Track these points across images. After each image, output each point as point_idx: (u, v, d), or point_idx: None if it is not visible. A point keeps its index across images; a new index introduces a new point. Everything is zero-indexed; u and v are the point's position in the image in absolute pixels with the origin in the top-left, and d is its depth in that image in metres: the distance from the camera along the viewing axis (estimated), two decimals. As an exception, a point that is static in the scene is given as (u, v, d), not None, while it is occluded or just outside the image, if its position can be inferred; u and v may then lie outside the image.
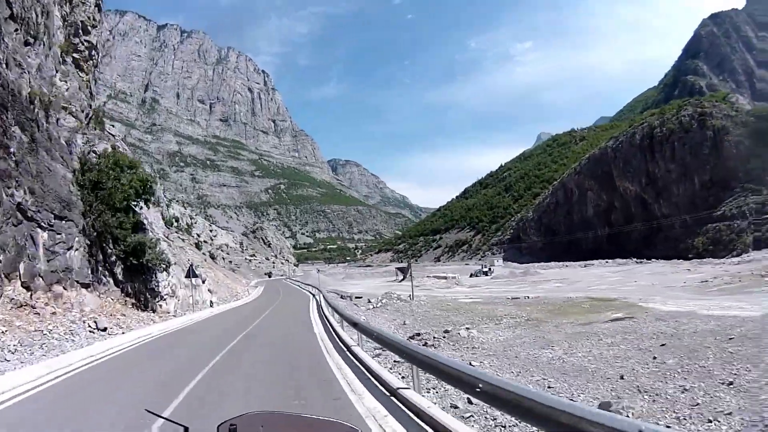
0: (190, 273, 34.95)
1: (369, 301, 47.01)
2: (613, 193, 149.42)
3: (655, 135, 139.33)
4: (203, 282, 43.85)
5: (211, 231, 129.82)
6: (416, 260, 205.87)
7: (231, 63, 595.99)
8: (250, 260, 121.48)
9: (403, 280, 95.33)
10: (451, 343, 21.32)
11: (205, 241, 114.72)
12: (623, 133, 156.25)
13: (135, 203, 28.70)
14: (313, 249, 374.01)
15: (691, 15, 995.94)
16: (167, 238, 42.49)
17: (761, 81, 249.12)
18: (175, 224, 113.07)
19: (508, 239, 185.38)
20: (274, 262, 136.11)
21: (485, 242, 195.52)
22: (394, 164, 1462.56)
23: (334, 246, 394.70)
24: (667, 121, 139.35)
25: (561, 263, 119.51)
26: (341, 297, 50.31)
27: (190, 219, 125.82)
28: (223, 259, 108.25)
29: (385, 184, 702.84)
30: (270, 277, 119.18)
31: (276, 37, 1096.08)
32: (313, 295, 46.45)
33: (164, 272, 31.08)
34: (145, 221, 31.05)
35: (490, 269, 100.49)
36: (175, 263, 35.28)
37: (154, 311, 28.12)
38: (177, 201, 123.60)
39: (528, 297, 47.85)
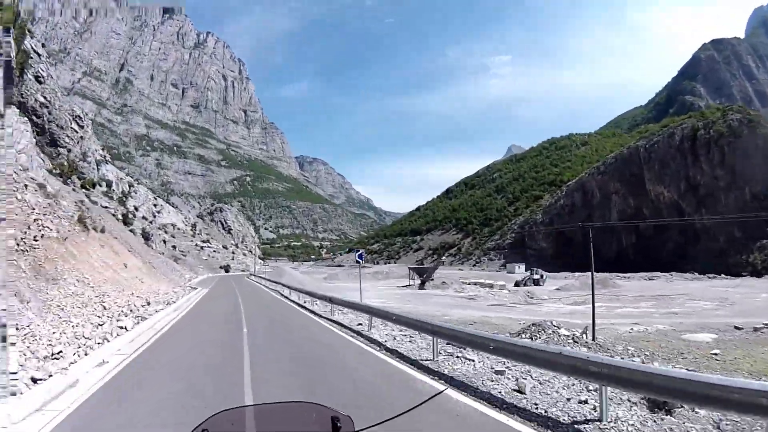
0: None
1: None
2: (643, 198, 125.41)
3: (700, 137, 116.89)
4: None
5: (155, 206, 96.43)
6: (395, 261, 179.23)
7: (209, 48, 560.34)
8: (202, 247, 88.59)
9: (423, 285, 65.69)
10: None
11: (144, 217, 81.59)
12: (658, 133, 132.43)
13: None
14: (277, 245, 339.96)
15: (674, 45, 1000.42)
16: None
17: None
18: (104, 188, 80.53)
19: (509, 244, 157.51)
20: (234, 253, 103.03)
21: (478, 246, 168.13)
22: (360, 167, 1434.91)
23: (299, 243, 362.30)
24: (713, 123, 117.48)
25: (639, 274, 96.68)
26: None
27: (129, 187, 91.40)
28: (164, 242, 75.59)
29: (350, 185, 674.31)
30: (227, 272, 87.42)
31: (255, 30, 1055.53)
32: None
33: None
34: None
35: (542, 277, 71.90)
36: None
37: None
38: (109, 162, 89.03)
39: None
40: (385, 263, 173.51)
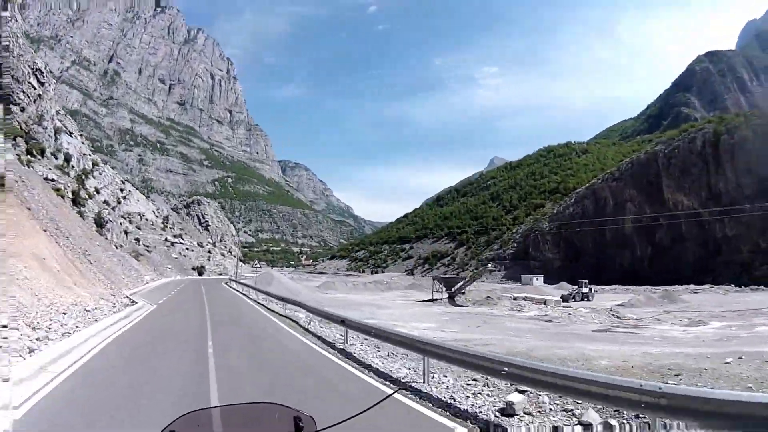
0: None
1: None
2: (660, 207, 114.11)
3: (723, 142, 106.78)
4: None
5: (122, 191, 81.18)
6: (382, 270, 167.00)
7: (198, 45, 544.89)
8: (172, 243, 72.98)
9: (454, 297, 52.62)
10: None
11: (106, 202, 66.21)
12: (677, 138, 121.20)
13: None
14: (255, 249, 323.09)
15: (664, 58, 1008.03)
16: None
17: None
18: (60, 162, 65.41)
19: (512, 254, 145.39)
20: (210, 252, 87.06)
21: (473, 256, 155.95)
22: (342, 173, 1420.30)
23: (278, 248, 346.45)
24: (736, 128, 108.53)
25: (701, 287, 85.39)
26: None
27: (93, 166, 74.92)
28: (126, 234, 60.34)
29: (331, 191, 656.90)
30: (200, 275, 71.66)
31: (247, 30, 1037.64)
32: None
33: None
34: None
35: (591, 290, 58.63)
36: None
37: None
38: (73, 135, 72.65)
39: None
40: (372, 272, 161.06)
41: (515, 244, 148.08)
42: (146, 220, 73.32)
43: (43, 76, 69.88)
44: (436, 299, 53.17)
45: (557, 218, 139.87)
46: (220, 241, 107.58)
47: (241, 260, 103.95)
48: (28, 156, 54.66)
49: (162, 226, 77.48)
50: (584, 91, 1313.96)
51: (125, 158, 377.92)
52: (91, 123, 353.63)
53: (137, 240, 61.31)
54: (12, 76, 59.87)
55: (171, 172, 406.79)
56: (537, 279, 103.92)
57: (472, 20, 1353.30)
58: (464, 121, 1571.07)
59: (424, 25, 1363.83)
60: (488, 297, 51.57)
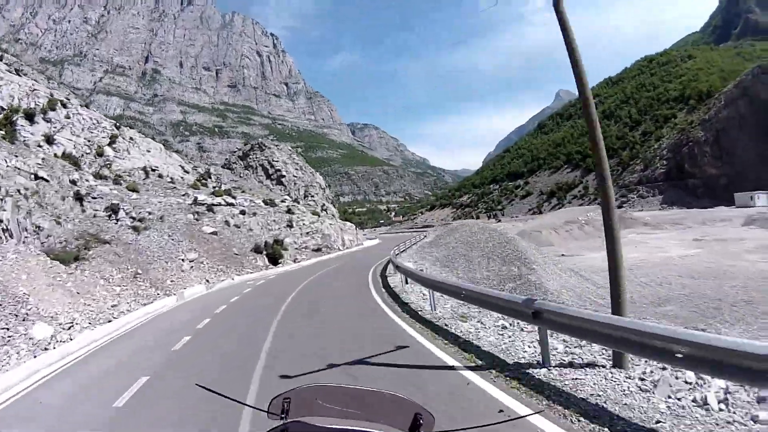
0: None
1: None
2: None
3: None
4: None
5: (110, 139, 40.93)
6: (502, 213, 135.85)
7: (237, 28, 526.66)
8: (211, 208, 38.22)
9: None
10: None
11: (86, 154, 33.98)
12: None
13: None
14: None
15: None
16: None
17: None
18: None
19: (663, 173, 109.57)
20: (292, 213, 48.01)
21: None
22: (411, 129, 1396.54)
23: (363, 209, 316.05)
24: None
25: None
26: None
27: (63, 108, 41.00)
28: (101, 199, 27.85)
29: (405, 146, 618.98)
30: (275, 261, 34.93)
31: (285, 9, 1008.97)
32: None
33: None
34: None
35: None
36: None
37: None
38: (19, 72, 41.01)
39: None
40: (489, 217, 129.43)
41: (664, 162, 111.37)
42: (159, 177, 39.89)
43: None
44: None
45: (710, 126, 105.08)
46: (305, 197, 71.71)
47: (360, 225, 68.34)
48: None
49: (194, 184, 42.76)
50: (639, 14, 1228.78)
51: (183, 149, 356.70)
52: (138, 123, 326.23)
53: (132, 219, 28.10)
54: None
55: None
56: (759, 197, 74.56)
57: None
58: (521, 60, 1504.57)
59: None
60: None
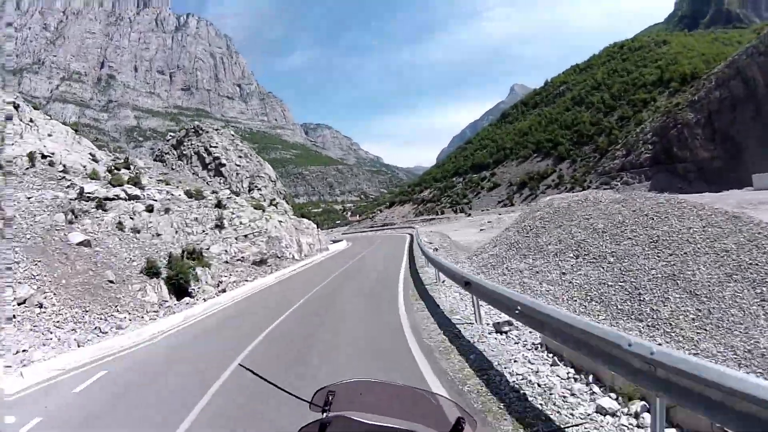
0: None
1: None
2: None
3: None
4: None
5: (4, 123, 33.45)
6: (470, 207, 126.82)
7: (191, 29, 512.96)
8: (106, 205, 25.58)
9: None
10: None
11: None
12: None
13: None
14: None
15: None
16: None
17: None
18: None
19: (649, 158, 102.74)
20: (223, 208, 34.66)
21: (588, 170, 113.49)
22: (365, 126, 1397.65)
23: (319, 210, 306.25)
24: None
25: None
26: None
27: None
28: None
29: (358, 145, 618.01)
30: (179, 286, 23.68)
31: (240, 9, 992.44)
32: None
33: None
34: None
35: None
36: None
37: None
38: None
39: None
40: (456, 211, 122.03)
41: (649, 146, 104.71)
42: (50, 166, 27.79)
43: None
44: None
45: (701, 107, 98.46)
46: (249, 190, 58.09)
47: (316, 223, 55.62)
48: None
49: (93, 174, 29.84)
50: (596, 6, 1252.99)
51: (137, 155, 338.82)
52: (94, 130, 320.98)
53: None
54: None
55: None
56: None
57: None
58: (476, 55, 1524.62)
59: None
60: None
